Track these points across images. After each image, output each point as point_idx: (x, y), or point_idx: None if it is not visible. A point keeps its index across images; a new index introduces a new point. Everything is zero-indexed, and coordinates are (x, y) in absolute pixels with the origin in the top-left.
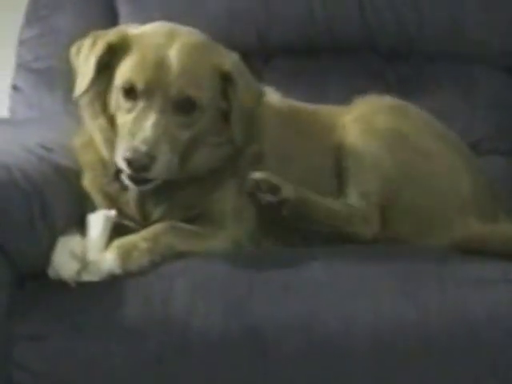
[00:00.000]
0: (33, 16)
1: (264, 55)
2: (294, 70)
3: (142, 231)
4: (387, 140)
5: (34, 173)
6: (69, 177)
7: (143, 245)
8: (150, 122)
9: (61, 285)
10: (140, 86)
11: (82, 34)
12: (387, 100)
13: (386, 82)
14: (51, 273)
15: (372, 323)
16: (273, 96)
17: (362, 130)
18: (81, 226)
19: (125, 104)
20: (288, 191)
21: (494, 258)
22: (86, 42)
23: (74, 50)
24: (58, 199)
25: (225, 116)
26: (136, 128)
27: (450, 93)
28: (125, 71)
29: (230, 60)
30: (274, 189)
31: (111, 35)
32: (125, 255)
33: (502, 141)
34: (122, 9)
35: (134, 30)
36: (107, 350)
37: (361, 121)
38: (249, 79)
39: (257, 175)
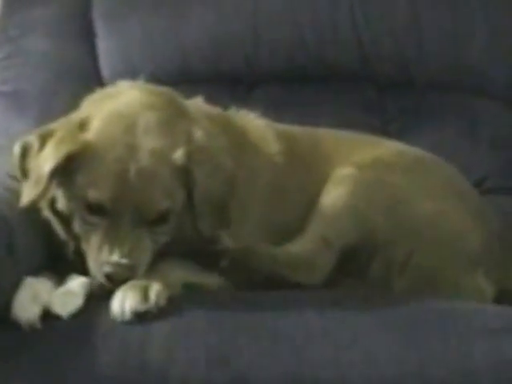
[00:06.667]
0: (1, 37)
1: (251, 81)
2: (282, 99)
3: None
4: (383, 200)
5: (0, 204)
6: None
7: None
8: (124, 236)
9: (32, 331)
10: (108, 205)
11: (56, 55)
12: (408, 152)
13: (383, 115)
14: (12, 315)
15: (369, 374)
16: (268, 134)
17: (358, 182)
18: (48, 264)
19: (90, 218)
20: (227, 241)
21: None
22: (34, 144)
23: (17, 150)
24: (25, 234)
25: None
26: (110, 242)
27: (451, 127)
28: (88, 187)
29: (190, 146)
30: (213, 238)
31: (70, 143)
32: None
33: (507, 179)
34: (100, 30)
35: (91, 133)
36: None
37: (364, 173)
38: (214, 162)
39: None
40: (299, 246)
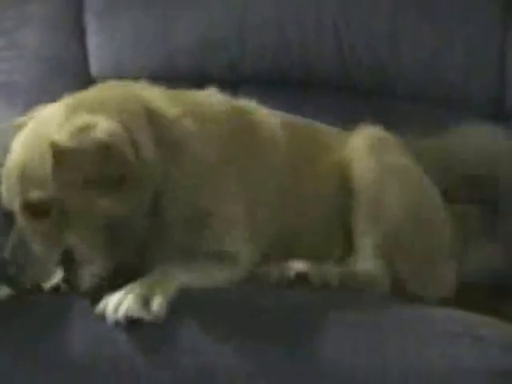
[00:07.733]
0: None
1: (234, 82)
2: (263, 100)
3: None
4: (401, 181)
5: None
6: None
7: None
8: (17, 235)
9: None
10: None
11: (48, 50)
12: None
13: (359, 123)
14: None
15: (329, 376)
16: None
17: (374, 166)
18: None
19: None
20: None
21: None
22: None
23: None
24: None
25: None
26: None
27: (426, 140)
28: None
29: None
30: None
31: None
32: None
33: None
34: (90, 26)
35: None
36: None
37: (372, 155)
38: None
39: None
40: (361, 267)
